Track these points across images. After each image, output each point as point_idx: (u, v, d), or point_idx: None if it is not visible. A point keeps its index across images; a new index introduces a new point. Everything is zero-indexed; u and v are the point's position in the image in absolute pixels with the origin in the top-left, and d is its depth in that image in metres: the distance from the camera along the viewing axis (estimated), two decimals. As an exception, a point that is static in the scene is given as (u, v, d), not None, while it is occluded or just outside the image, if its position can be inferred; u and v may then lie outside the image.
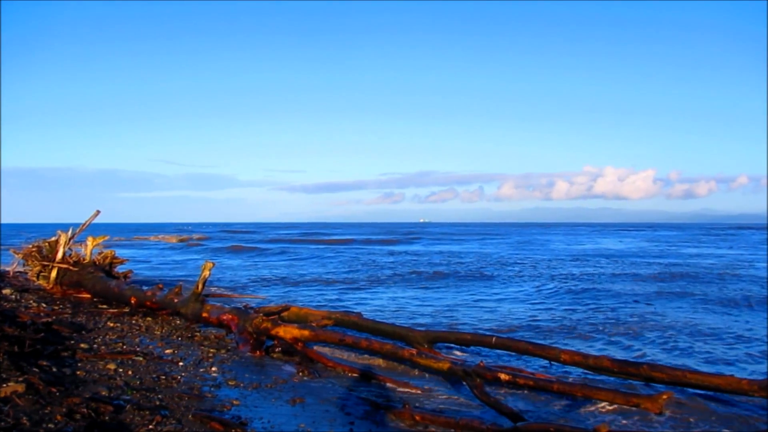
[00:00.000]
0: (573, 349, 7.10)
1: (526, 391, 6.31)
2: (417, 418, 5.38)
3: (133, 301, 10.36)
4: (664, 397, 5.14)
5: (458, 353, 8.06)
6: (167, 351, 7.47)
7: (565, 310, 12.50)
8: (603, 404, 5.86)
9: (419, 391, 6.51)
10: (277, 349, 8.01)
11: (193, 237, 57.05)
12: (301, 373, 6.87)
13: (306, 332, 7.72)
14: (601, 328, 10.36)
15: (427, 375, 7.06)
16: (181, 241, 51.91)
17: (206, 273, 9.22)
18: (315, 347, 7.94)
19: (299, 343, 7.75)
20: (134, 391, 5.44)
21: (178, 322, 9.53)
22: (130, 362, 6.60)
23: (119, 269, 13.13)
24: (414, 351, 6.90)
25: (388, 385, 6.69)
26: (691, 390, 6.12)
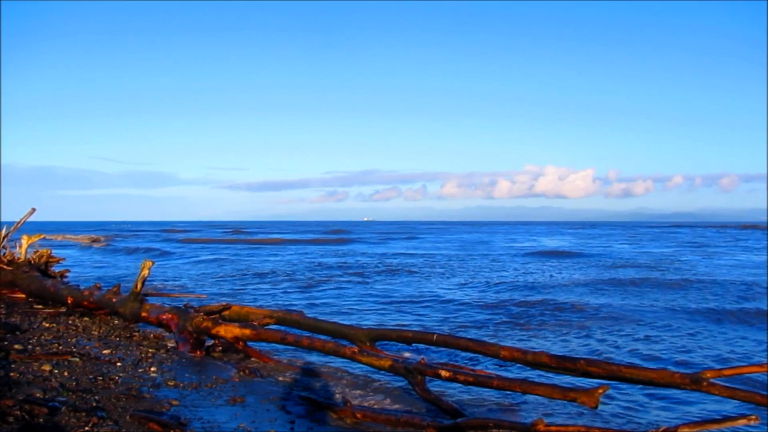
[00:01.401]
0: (512, 345, 7.22)
1: (467, 388, 6.40)
2: (358, 415, 5.40)
3: (69, 301, 10.13)
4: (600, 391, 5.27)
5: (404, 353, 8.11)
6: (105, 351, 7.33)
7: (507, 307, 12.67)
8: (541, 399, 5.97)
9: (361, 389, 6.55)
10: (218, 349, 7.95)
11: (101, 238, 52.71)
12: (242, 373, 6.83)
13: (247, 331, 7.67)
14: (539, 325, 10.55)
15: (369, 373, 7.09)
16: (94, 241, 47.33)
17: (145, 272, 9.08)
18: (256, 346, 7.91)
19: (240, 342, 7.69)
20: (70, 393, 5.33)
21: (117, 321, 9.38)
22: (66, 363, 6.46)
23: (56, 268, 12.81)
24: (356, 349, 6.91)
25: (330, 383, 6.71)
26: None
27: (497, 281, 17.74)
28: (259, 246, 42.85)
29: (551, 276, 19.95)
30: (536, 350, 6.58)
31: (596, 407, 5.30)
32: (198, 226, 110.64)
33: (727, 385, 5.42)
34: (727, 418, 4.60)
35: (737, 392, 5.32)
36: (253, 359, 7.61)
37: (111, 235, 58.77)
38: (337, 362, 7.50)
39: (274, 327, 8.40)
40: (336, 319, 9.57)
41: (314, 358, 7.85)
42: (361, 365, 6.98)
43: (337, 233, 71.03)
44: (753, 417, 4.40)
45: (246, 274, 20.19)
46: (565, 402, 5.67)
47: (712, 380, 5.42)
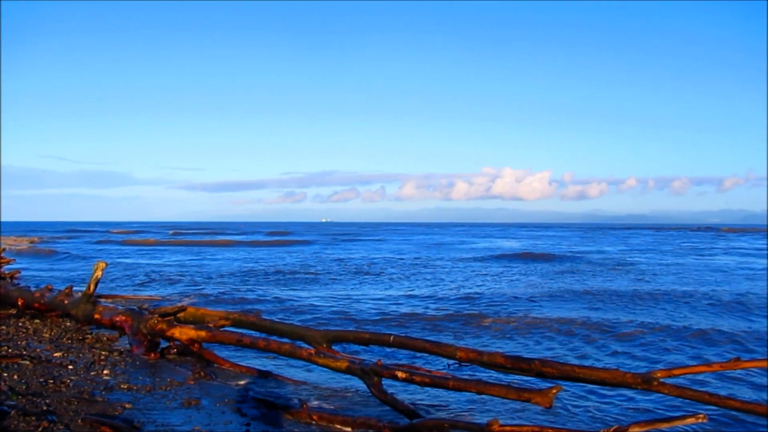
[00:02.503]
0: (468, 346, 7.28)
1: (427, 389, 6.44)
2: (314, 417, 5.40)
3: (20, 303, 9.92)
4: (554, 391, 5.34)
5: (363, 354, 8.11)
6: (56, 354, 7.20)
7: (461, 307, 12.76)
8: (496, 400, 6.03)
9: (318, 391, 6.55)
10: (172, 351, 7.86)
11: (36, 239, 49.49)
12: (197, 375, 6.77)
13: (202, 333, 7.60)
14: (494, 326, 10.63)
15: (326, 374, 7.08)
16: (32, 243, 44.36)
17: (98, 273, 8.94)
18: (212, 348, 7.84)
19: (195, 344, 7.62)
20: (20, 396, 5.23)
21: (69, 324, 9.21)
22: (15, 366, 6.33)
23: (5, 269, 12.55)
24: (312, 350, 6.90)
25: (287, 385, 6.69)
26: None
27: (444, 287, 17.78)
28: (201, 247, 41.96)
29: (505, 278, 20.13)
30: (492, 351, 6.65)
31: (550, 407, 5.37)
32: (149, 227, 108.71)
33: (677, 384, 5.55)
34: (676, 417, 4.70)
35: (686, 391, 5.44)
36: (209, 362, 7.55)
37: (45, 237, 57.05)
38: (294, 364, 7.48)
39: (230, 329, 8.34)
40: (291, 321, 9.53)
41: (271, 360, 7.82)
42: (318, 367, 6.97)
43: (283, 234, 70.11)
44: (701, 415, 4.50)
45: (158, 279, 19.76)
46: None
47: (662, 380, 5.53)
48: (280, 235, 68.70)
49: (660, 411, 6.19)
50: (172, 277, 19.62)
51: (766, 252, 35.81)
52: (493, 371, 6.66)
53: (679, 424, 4.64)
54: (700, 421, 4.49)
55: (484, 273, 21.49)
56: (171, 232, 76.99)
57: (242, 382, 6.70)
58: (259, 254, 32.43)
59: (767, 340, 9.62)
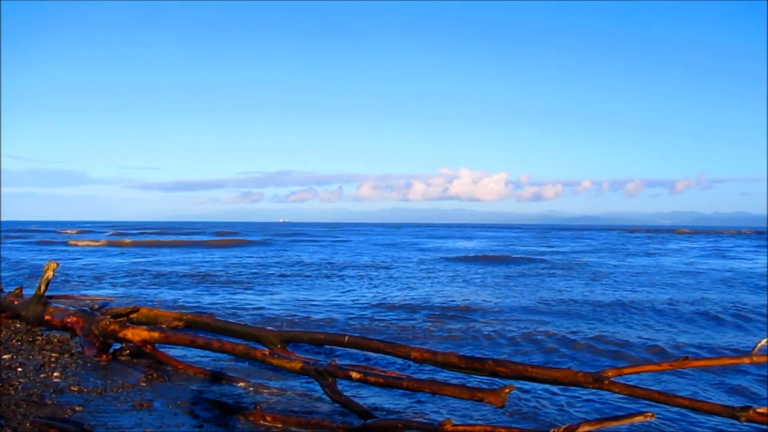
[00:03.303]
0: (423, 346, 7.33)
1: (378, 389, 6.46)
2: (268, 418, 5.40)
3: (-34, 304, 9.72)
4: (506, 390, 5.42)
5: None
6: (5, 356, 7.08)
7: (415, 306, 12.84)
8: (450, 400, 6.09)
9: (272, 392, 6.52)
10: (125, 353, 7.78)
11: None
12: (149, 377, 6.71)
13: (156, 334, 7.53)
14: (447, 326, 10.69)
15: (280, 375, 7.07)
16: None
17: (50, 273, 8.80)
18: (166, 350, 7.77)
19: (148, 346, 7.55)
20: (-35, 400, 5.14)
21: (19, 325, 9.05)
22: (-39, 369, 6.21)
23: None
24: (266, 351, 6.89)
25: (241, 386, 6.66)
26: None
27: (398, 289, 17.83)
28: (155, 248, 40.71)
29: (460, 277, 20.28)
30: (446, 351, 6.71)
31: (503, 406, 5.45)
32: (101, 227, 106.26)
33: (627, 383, 5.67)
34: (625, 416, 4.80)
35: (636, 390, 5.56)
36: (162, 363, 7.47)
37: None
38: (249, 365, 7.45)
39: (184, 330, 8.27)
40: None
41: (226, 361, 7.77)
42: (272, 367, 6.96)
43: (233, 234, 68.08)
44: (649, 414, 4.60)
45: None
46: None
47: (613, 378, 5.65)
48: (232, 234, 66.68)
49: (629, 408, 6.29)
50: (123, 277, 19.29)
51: (710, 252, 36.73)
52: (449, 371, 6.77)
53: (627, 422, 4.74)
54: (648, 419, 4.59)
55: (440, 274, 21.61)
56: (110, 232, 74.94)
57: (196, 384, 6.65)
58: (213, 255, 32.05)
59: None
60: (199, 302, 13.57)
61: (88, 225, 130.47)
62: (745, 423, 5.04)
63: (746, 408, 4.92)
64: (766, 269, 24.08)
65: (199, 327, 8.44)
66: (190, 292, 15.62)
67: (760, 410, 4.91)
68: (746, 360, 5.63)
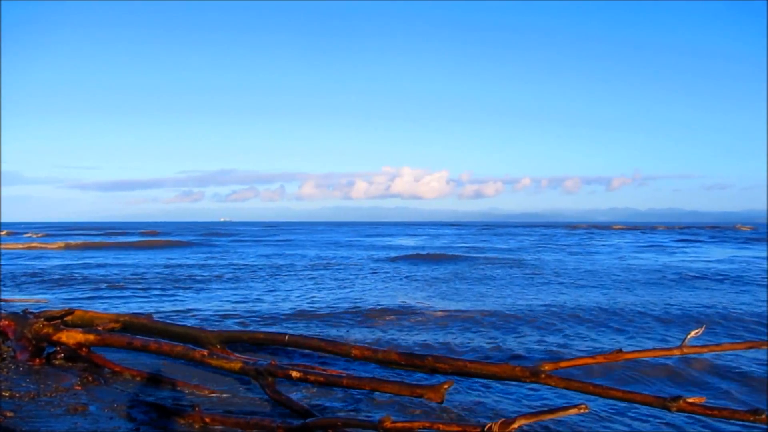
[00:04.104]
0: (363, 344, 7.37)
1: (318, 388, 6.46)
2: (207, 420, 5.35)
3: None
4: (446, 386, 5.48)
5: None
6: (-70, 363, 6.84)
7: (351, 305, 12.84)
8: (390, 397, 6.12)
9: (212, 393, 6.46)
10: (59, 356, 7.59)
11: None
12: (85, 380, 6.56)
13: (91, 336, 7.37)
14: (384, 325, 10.72)
15: (221, 376, 7.00)
16: None
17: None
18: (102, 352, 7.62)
19: (84, 349, 7.39)
20: None
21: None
22: None
23: None
24: (205, 352, 6.82)
25: (179, 388, 6.57)
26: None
27: (335, 289, 17.79)
28: (91, 250, 39.04)
29: (392, 280, 20.38)
30: (386, 348, 6.76)
31: (442, 402, 5.51)
32: (35, 228, 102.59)
33: (563, 376, 5.80)
34: (560, 408, 4.89)
35: (572, 383, 5.69)
36: (98, 366, 7.33)
37: None
38: (188, 367, 7.36)
39: (121, 332, 8.12)
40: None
41: (165, 363, 7.66)
42: (211, 368, 6.90)
43: (155, 234, 64.57)
44: (582, 406, 4.70)
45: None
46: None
47: (549, 372, 5.77)
48: (165, 235, 64.30)
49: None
50: (56, 279, 18.78)
51: (642, 247, 37.79)
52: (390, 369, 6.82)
53: (562, 414, 4.82)
54: (582, 411, 4.68)
55: (380, 273, 21.65)
56: (28, 233, 71.86)
57: (133, 387, 6.54)
58: (151, 256, 31.50)
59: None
60: (134, 304, 13.33)
61: (22, 226, 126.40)
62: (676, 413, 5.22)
63: (676, 398, 5.08)
64: (691, 263, 24.91)
65: (136, 329, 8.30)
66: (127, 294, 15.32)
67: (690, 400, 5.07)
68: (676, 352, 5.82)
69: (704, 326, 6.28)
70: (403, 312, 12.02)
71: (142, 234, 66.86)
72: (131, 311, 11.88)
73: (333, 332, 10.09)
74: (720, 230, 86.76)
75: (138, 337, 7.59)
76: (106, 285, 17.00)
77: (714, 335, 9.78)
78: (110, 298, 14.32)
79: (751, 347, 6.27)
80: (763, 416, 4.73)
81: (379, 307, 12.77)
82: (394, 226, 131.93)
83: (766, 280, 18.28)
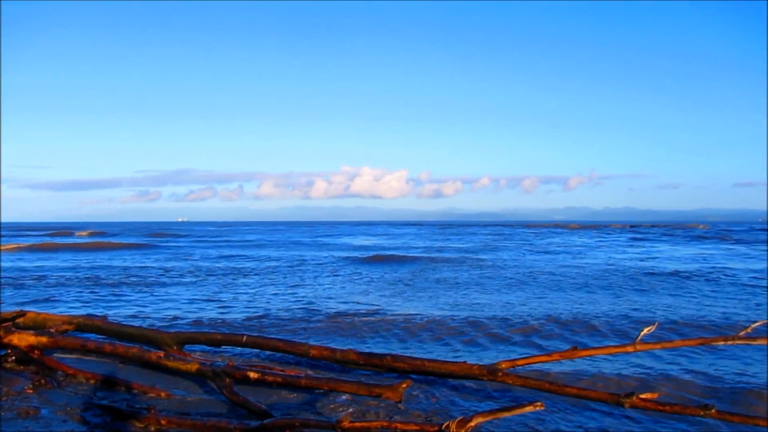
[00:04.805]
0: (321, 344, 7.35)
1: (277, 389, 6.42)
2: (163, 422, 5.28)
3: None
4: (404, 385, 5.51)
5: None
6: None
7: (308, 307, 12.79)
8: (348, 396, 6.11)
9: (169, 395, 6.37)
10: (10, 359, 7.42)
11: None
12: (37, 383, 6.43)
13: (44, 339, 7.23)
14: (344, 327, 10.68)
15: (177, 378, 6.92)
16: None
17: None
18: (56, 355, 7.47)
19: (36, 351, 7.23)
20: None
21: None
22: None
23: None
24: (161, 353, 6.75)
25: (135, 390, 6.47)
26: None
27: (288, 291, 17.70)
28: (43, 252, 38.21)
29: (349, 283, 20.38)
30: (344, 348, 6.75)
31: (401, 401, 5.53)
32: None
33: (520, 374, 5.86)
34: (516, 406, 4.94)
35: (528, 381, 5.77)
36: (51, 369, 7.18)
37: None
38: (144, 369, 7.25)
39: (75, 333, 7.97)
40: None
41: (120, 365, 7.53)
42: (168, 369, 6.81)
43: (104, 235, 61.82)
44: (538, 403, 4.76)
45: None
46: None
47: (506, 370, 5.84)
48: (108, 236, 61.04)
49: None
50: (7, 282, 18.35)
51: (594, 246, 38.35)
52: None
53: (519, 412, 4.88)
54: (538, 408, 4.74)
55: (339, 274, 21.63)
56: None
57: (87, 389, 6.42)
58: (112, 257, 30.96)
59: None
60: (87, 306, 13.10)
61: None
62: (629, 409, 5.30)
63: (630, 395, 5.18)
64: (635, 261, 25.36)
65: (90, 330, 8.17)
66: (82, 297, 15.05)
67: (644, 396, 5.17)
68: (630, 348, 5.93)
69: (656, 324, 6.41)
70: (363, 313, 11.98)
71: (92, 235, 64.74)
72: (83, 314, 11.68)
73: (291, 335, 10.00)
74: (672, 228, 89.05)
75: (92, 338, 7.49)
76: (56, 287, 16.67)
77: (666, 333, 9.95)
78: (63, 301, 14.05)
79: (703, 343, 6.42)
80: (713, 411, 4.85)
81: (338, 308, 12.68)
82: (353, 226, 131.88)
83: (711, 276, 18.67)
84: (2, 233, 71.22)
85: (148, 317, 11.44)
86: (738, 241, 46.05)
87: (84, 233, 69.18)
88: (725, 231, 74.68)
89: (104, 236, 60.18)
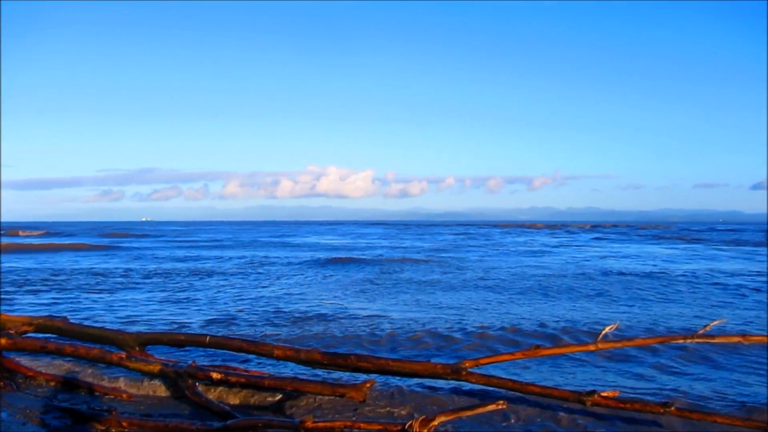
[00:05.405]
0: (285, 344, 7.33)
1: (243, 389, 6.40)
2: (124, 424, 5.25)
3: None
4: (368, 385, 5.54)
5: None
6: None
7: (275, 308, 12.76)
8: (313, 396, 6.12)
9: (131, 397, 6.33)
10: (-32, 362, 7.32)
11: None
12: (-5, 386, 6.35)
13: (2, 340, 7.12)
14: (309, 328, 10.67)
15: (140, 379, 6.86)
16: None
17: None
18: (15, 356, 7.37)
19: (-6, 353, 7.14)
20: None
21: None
22: None
23: None
24: (123, 354, 6.69)
25: (97, 392, 6.43)
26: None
27: (256, 296, 17.63)
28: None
29: (312, 285, 20.36)
30: (309, 348, 6.75)
31: (364, 400, 5.56)
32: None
33: (483, 373, 5.92)
34: (479, 405, 5.00)
35: (492, 380, 5.82)
36: (10, 371, 7.08)
37: None
38: (107, 370, 7.18)
39: (34, 335, 7.86)
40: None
41: (81, 366, 7.44)
42: (130, 371, 6.75)
43: (52, 236, 60.12)
44: (501, 402, 4.83)
45: None
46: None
47: (470, 369, 5.89)
48: (63, 236, 59.72)
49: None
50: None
51: (558, 245, 38.85)
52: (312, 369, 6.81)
53: (481, 411, 4.94)
54: (500, 407, 4.81)
55: (304, 274, 21.58)
56: None
57: (47, 392, 6.36)
58: (69, 259, 30.52)
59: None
60: (49, 308, 12.91)
61: None
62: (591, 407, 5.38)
63: (591, 393, 5.27)
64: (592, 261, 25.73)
65: (51, 331, 8.05)
66: (43, 299, 14.81)
67: (605, 394, 5.27)
68: (591, 347, 6.02)
69: (617, 323, 6.52)
70: (328, 313, 11.96)
71: (44, 235, 62.72)
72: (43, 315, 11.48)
73: (256, 336, 9.96)
74: (631, 228, 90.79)
75: (52, 340, 7.39)
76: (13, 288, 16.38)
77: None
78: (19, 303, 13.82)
79: (663, 342, 6.54)
80: (672, 408, 4.96)
81: (302, 310, 12.59)
82: (319, 225, 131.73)
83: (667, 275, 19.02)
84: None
85: (107, 321, 11.18)
86: (695, 241, 47.13)
87: (34, 233, 67.09)
88: (685, 231, 76.17)
89: (59, 236, 58.28)
